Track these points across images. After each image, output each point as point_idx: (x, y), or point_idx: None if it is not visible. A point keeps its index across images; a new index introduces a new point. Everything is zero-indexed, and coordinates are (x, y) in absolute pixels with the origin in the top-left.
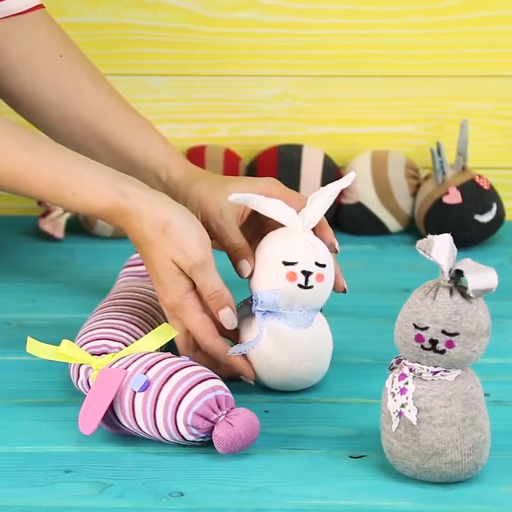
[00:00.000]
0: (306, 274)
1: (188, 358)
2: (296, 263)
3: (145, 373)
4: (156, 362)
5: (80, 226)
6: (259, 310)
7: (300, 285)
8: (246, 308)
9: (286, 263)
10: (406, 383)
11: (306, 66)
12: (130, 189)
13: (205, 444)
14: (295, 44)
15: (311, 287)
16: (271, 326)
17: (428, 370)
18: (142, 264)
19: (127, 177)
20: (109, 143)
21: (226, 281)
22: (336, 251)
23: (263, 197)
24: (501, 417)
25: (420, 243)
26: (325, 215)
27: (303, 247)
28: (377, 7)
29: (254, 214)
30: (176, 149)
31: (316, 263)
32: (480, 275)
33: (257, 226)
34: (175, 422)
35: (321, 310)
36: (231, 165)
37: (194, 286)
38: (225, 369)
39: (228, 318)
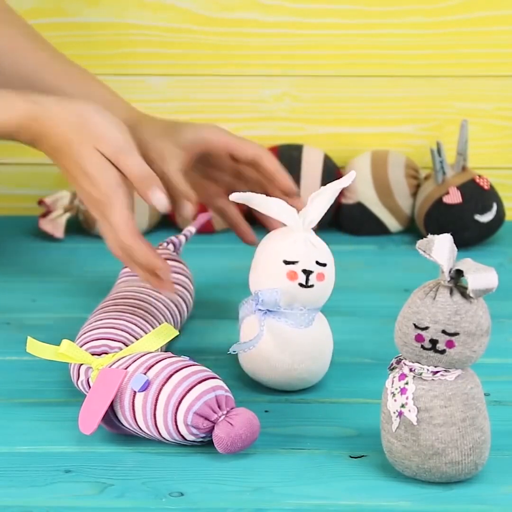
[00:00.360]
0: (307, 273)
1: (188, 358)
2: (296, 262)
3: (145, 373)
4: (156, 362)
5: (80, 226)
6: (259, 309)
7: (301, 284)
8: (246, 307)
9: (286, 262)
10: (406, 383)
11: (306, 66)
12: (41, 98)
13: (205, 444)
14: (295, 44)
15: (311, 286)
16: (272, 325)
17: (428, 370)
18: None
19: (37, 92)
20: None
21: (226, 281)
22: (295, 192)
23: (264, 196)
24: (501, 417)
25: (420, 243)
26: (325, 215)
27: (304, 246)
28: (377, 7)
29: (202, 159)
30: (120, 95)
31: (317, 262)
32: (480, 275)
33: (204, 169)
34: (175, 422)
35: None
36: None
37: (123, 179)
38: (145, 271)
39: (159, 197)
